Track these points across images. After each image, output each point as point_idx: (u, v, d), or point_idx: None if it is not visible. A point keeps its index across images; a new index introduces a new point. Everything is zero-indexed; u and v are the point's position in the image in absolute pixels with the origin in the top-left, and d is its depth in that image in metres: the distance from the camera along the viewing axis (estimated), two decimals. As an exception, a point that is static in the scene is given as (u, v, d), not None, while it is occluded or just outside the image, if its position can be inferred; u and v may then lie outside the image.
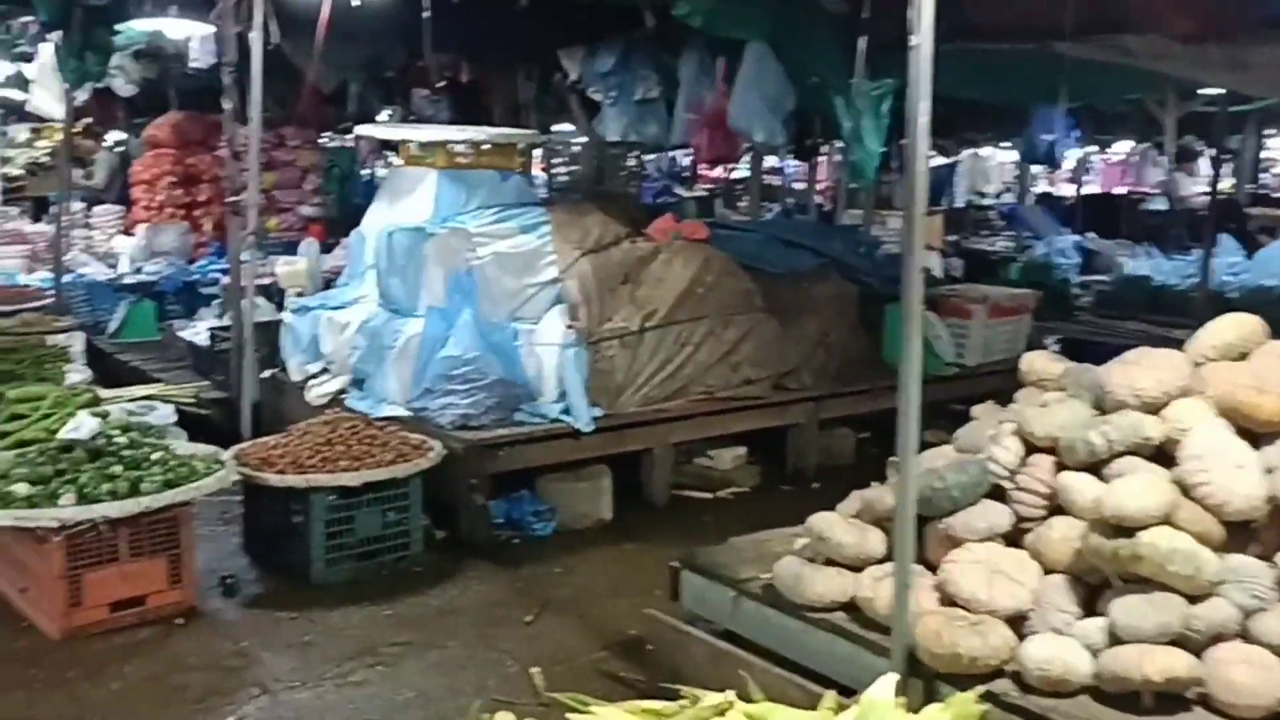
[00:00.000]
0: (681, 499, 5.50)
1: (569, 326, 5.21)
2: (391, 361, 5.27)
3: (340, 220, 10.24)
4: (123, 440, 4.30)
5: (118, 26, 7.99)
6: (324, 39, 6.18)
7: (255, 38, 5.75)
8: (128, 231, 10.57)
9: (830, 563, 3.29)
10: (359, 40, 8.53)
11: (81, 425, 4.26)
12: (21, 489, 3.92)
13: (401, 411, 5.15)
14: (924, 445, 3.15)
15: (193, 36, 7.93)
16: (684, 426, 5.45)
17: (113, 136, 13.93)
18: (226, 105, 6.02)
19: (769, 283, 6.01)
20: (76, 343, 6.98)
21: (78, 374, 6.05)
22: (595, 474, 5.18)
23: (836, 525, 3.28)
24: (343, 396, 5.54)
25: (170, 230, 9.90)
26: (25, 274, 9.35)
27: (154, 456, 4.20)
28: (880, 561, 3.21)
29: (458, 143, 5.75)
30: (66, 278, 8.25)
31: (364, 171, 12.75)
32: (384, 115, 11.94)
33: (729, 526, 5.11)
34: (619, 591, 4.44)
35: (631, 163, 7.06)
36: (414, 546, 4.66)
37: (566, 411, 5.11)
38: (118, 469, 4.07)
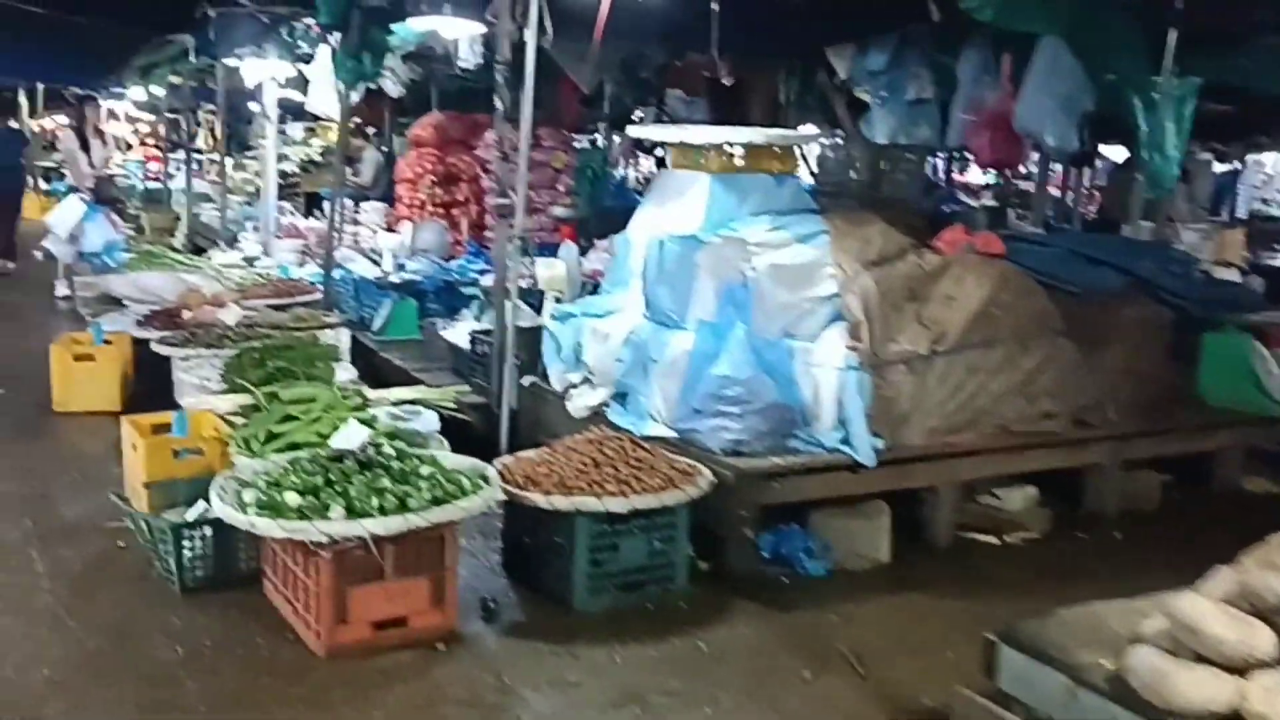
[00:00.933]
0: (965, 542, 4.94)
1: (850, 347, 4.73)
2: (657, 377, 4.94)
3: (593, 221, 10.09)
4: (390, 451, 4.13)
5: (392, 28, 8.06)
6: (599, 38, 5.90)
7: (529, 35, 5.55)
8: (391, 228, 10.78)
9: (1200, 658, 2.69)
10: (620, 40, 8.30)
11: (352, 435, 4.12)
12: (292, 498, 3.79)
13: (667, 432, 4.80)
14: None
15: (461, 37, 7.88)
16: (973, 463, 4.88)
17: (377, 135, 14.43)
18: (498, 105, 5.85)
19: (1069, 304, 5.34)
20: (343, 339, 7.04)
21: (345, 372, 6.03)
22: (873, 511, 4.69)
23: (1211, 616, 2.68)
24: (604, 410, 5.26)
25: (430, 228, 9.99)
26: (297, 268, 9.65)
27: (422, 471, 4.00)
28: (1271, 666, 2.60)
29: (735, 144, 5.35)
30: (335, 274, 8.39)
31: (616, 173, 12.63)
32: (636, 116, 11.77)
33: (1022, 578, 4.57)
34: (907, 649, 3.94)
35: (909, 166, 6.53)
36: (678, 579, 4.31)
37: (845, 441, 4.64)
38: (386, 483, 3.89)
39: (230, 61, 10.62)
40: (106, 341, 6.79)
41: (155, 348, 6.54)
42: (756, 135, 5.51)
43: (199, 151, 17.07)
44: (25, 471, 5.55)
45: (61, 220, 9.91)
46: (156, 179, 17.66)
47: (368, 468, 4.00)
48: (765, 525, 4.58)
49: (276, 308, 7.74)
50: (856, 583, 4.50)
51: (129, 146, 24.04)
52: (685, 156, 5.52)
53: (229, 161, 13.70)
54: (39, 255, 12.15)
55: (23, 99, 22.73)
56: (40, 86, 22.02)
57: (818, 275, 4.96)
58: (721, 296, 4.85)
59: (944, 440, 4.83)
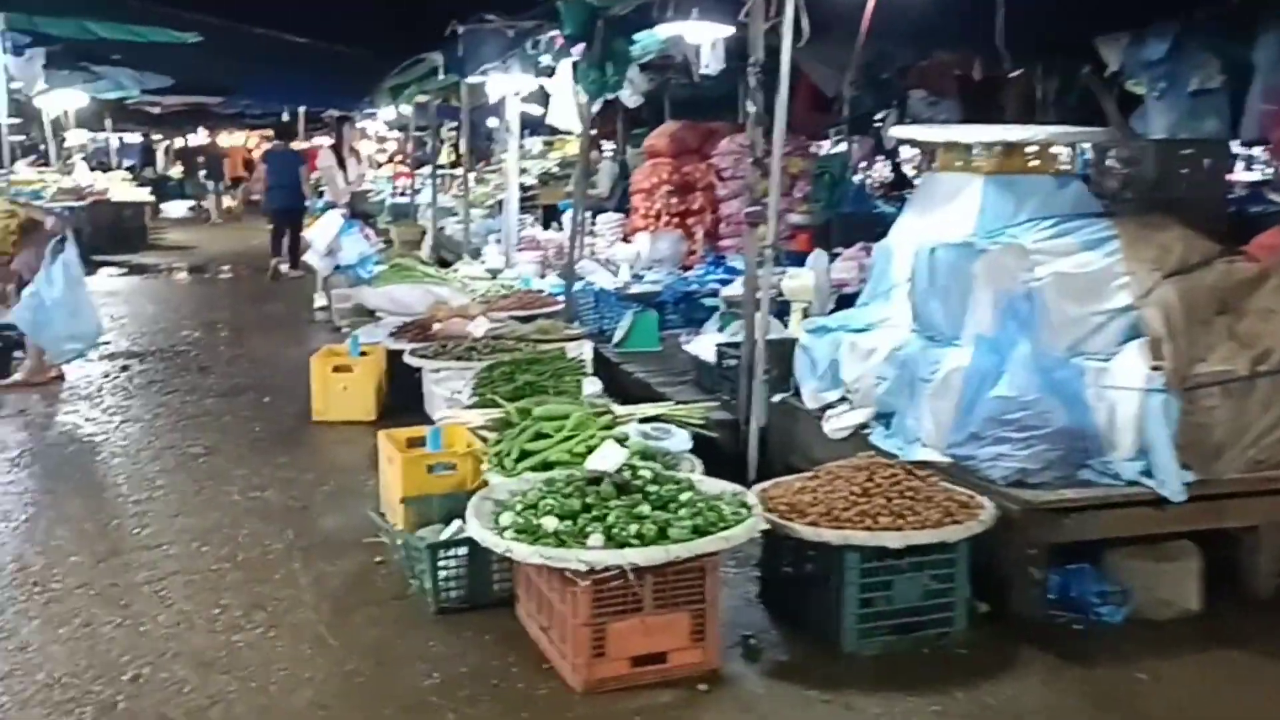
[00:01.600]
0: (1288, 590, 4.27)
1: (1154, 367, 4.16)
2: (927, 397, 4.50)
3: (833, 228, 9.66)
4: (647, 474, 3.89)
5: (635, 37, 7.92)
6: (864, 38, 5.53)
7: (785, 34, 5.22)
8: (627, 239, 10.68)
9: None
10: (866, 39, 7.88)
11: (608, 456, 3.90)
12: (550, 523, 3.59)
13: (939, 457, 4.36)
14: None
15: (705, 43, 7.64)
16: (1302, 501, 4.22)
17: (611, 147, 14.45)
18: (750, 109, 5.54)
19: None
20: (586, 351, 6.92)
21: (591, 386, 5.87)
22: (1180, 552, 4.10)
23: None
24: (865, 432, 4.87)
25: (666, 238, 9.82)
26: (538, 279, 9.67)
27: (682, 497, 3.74)
28: None
29: (1012, 142, 4.86)
30: (576, 285, 8.31)
31: (855, 178, 12.13)
32: (878, 119, 11.25)
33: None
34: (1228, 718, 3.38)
35: (1211, 164, 5.81)
36: (957, 622, 3.87)
37: (1147, 473, 4.08)
38: (645, 509, 3.65)
39: (474, 79, 10.80)
40: (363, 353, 6.90)
41: (408, 360, 6.60)
42: (1037, 132, 5.00)
43: (442, 167, 17.64)
44: (287, 482, 5.65)
45: (321, 234, 10.32)
46: (404, 194, 18.36)
47: (625, 492, 3.77)
48: (1052, 565, 4.07)
49: (520, 319, 7.72)
50: (1161, 635, 3.94)
51: (378, 164, 25.24)
52: (955, 157, 5.07)
53: (470, 176, 14.02)
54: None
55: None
56: (302, 110, 23.44)
57: (1109, 286, 4.41)
58: (1001, 309, 4.37)
59: (1266, 474, 4.19)
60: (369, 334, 7.47)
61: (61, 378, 7.85)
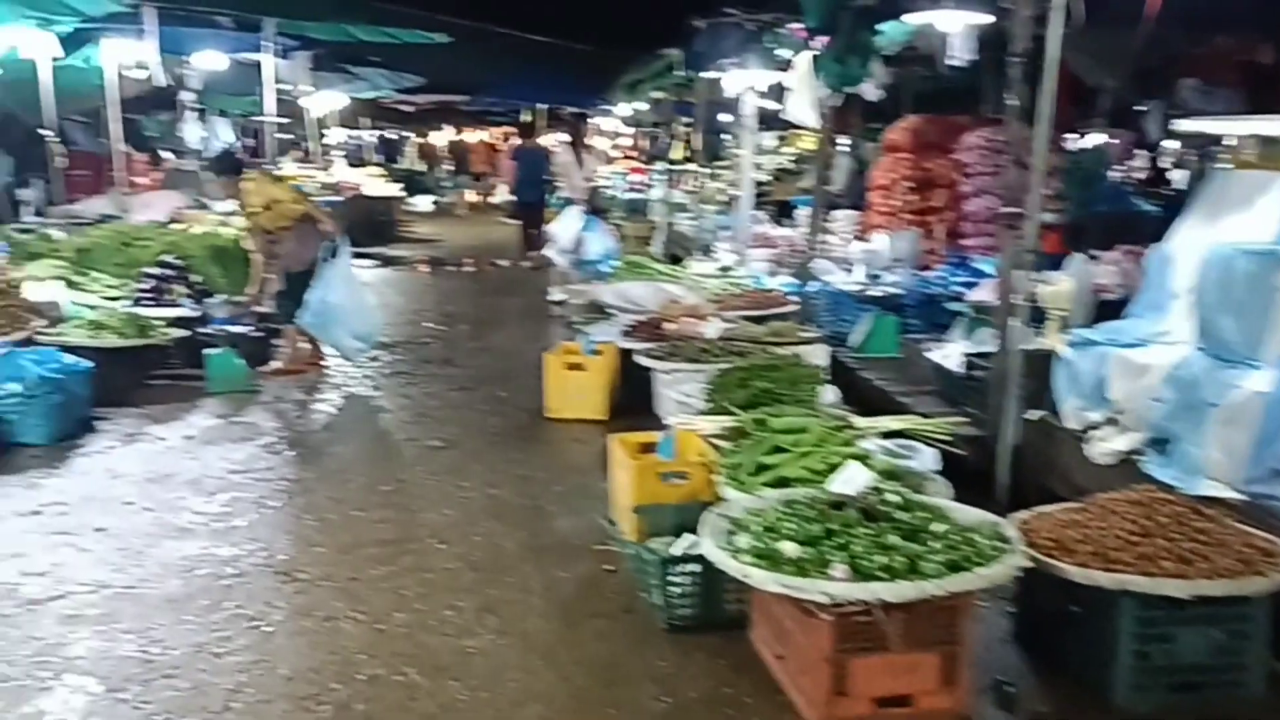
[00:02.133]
0: None
1: None
2: (1216, 424, 3.99)
3: (1085, 228, 8.94)
4: (895, 499, 3.59)
5: (880, 27, 7.54)
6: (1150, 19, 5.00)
7: (1054, 21, 4.77)
8: (861, 237, 10.27)
9: None
10: (1135, 25, 7.20)
11: (853, 478, 3.62)
12: (790, 549, 3.35)
13: (1230, 494, 3.86)
14: None
15: (956, 32, 7.17)
16: None
17: (846, 142, 14.00)
18: (1011, 102, 5.11)
19: None
20: (821, 356, 6.62)
21: (828, 394, 5.58)
22: None
23: None
24: (1136, 459, 4.38)
25: (904, 237, 9.34)
26: (769, 278, 9.41)
27: (934, 528, 3.42)
28: None
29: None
30: (811, 285, 8.00)
31: (1111, 175, 11.25)
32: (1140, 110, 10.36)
33: None
34: None
35: None
36: (1251, 685, 3.40)
37: None
38: (894, 539, 3.35)
39: (710, 74, 10.64)
40: (596, 352, 6.84)
41: (639, 359, 6.49)
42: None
43: (674, 163, 17.61)
44: (521, 480, 5.63)
45: (564, 230, 10.42)
46: (637, 190, 18.45)
47: (871, 518, 3.48)
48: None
49: (753, 319, 7.49)
50: None
51: (610, 160, 25.60)
52: (1257, 153, 4.48)
53: (703, 172, 13.89)
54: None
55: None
56: (540, 107, 24.05)
57: None
58: (1311, 328, 3.82)
59: None
60: (602, 332, 7.41)
61: (320, 363, 8.13)
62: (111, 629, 3.89)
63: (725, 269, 9.83)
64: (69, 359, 6.47)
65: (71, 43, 9.76)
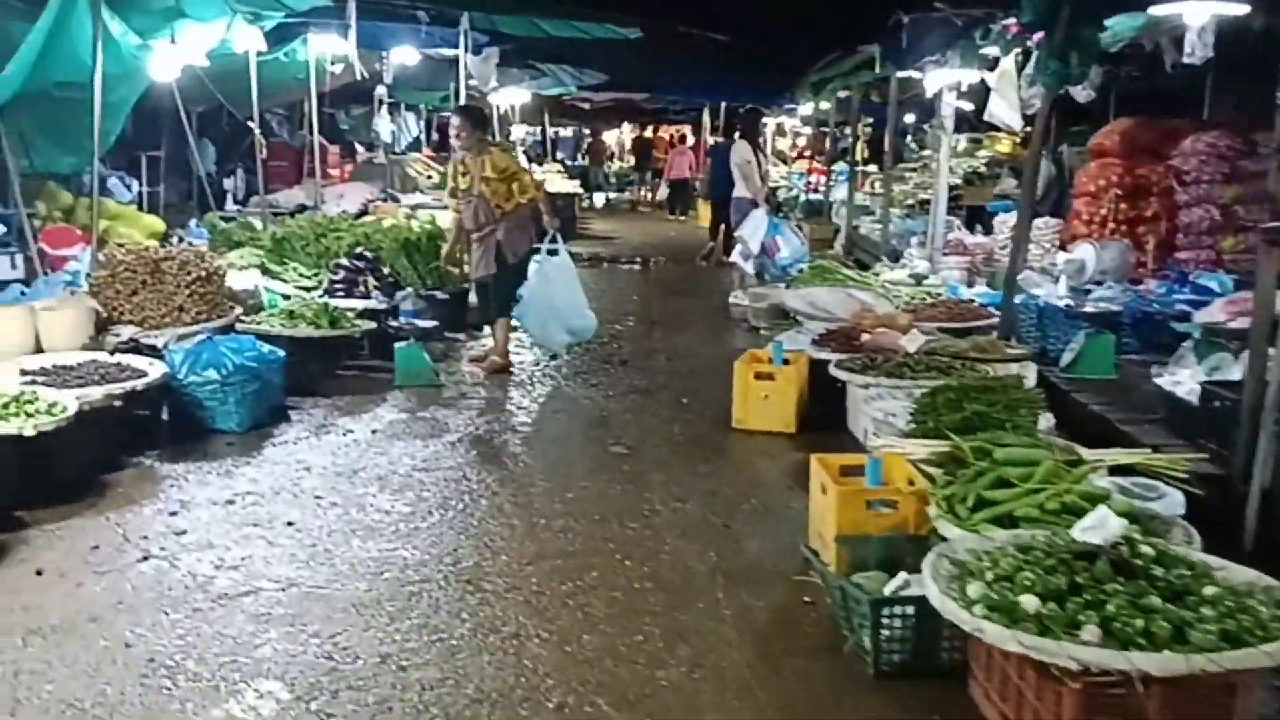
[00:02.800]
0: None
1: None
2: None
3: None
4: (1149, 551, 3.14)
5: (1107, 23, 6.94)
6: None
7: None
8: (1063, 246, 9.60)
9: None
10: None
11: (1103, 524, 3.19)
12: (1030, 603, 2.96)
13: None
14: None
15: (1194, 27, 6.53)
16: None
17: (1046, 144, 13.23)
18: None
19: None
20: (1030, 375, 6.11)
21: (1045, 420, 5.10)
22: None
23: None
24: None
25: (1113, 248, 8.65)
26: (965, 288, 8.88)
27: (1206, 590, 2.96)
28: None
29: None
30: (1017, 298, 7.46)
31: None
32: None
33: None
34: None
35: None
36: None
37: None
38: (1154, 600, 2.92)
39: (908, 72, 10.15)
40: (786, 361, 6.51)
41: (834, 372, 6.13)
42: None
43: (855, 164, 17.08)
44: (708, 494, 5.36)
45: (753, 232, 10.12)
46: (816, 191, 17.99)
47: (1125, 574, 3.05)
48: None
49: (952, 332, 7.02)
50: None
51: (787, 160, 25.12)
52: None
53: (890, 173, 13.36)
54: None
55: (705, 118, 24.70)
56: (716, 106, 23.78)
57: None
58: None
59: None
60: (791, 340, 7.08)
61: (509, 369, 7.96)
62: (299, 631, 3.80)
63: (918, 277, 9.33)
64: (265, 348, 6.54)
65: (274, 37, 9.98)
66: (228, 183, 13.99)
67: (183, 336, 6.57)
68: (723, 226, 13.57)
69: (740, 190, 10.95)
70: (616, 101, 25.93)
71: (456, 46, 10.14)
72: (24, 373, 5.60)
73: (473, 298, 8.62)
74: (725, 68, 21.16)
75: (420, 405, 6.93)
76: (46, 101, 8.78)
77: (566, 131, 30.64)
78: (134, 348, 6.20)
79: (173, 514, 4.90)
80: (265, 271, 8.39)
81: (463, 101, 10.13)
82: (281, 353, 6.62)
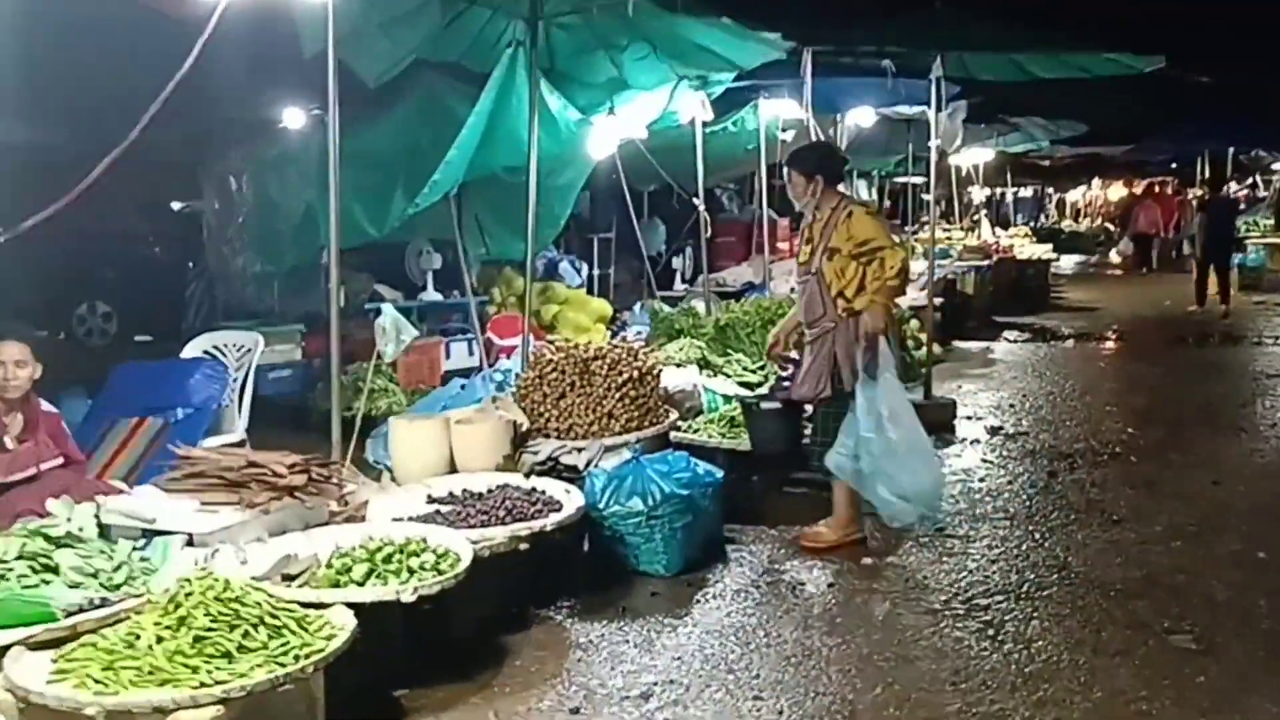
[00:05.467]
0: None
1: None
2: None
3: None
4: None
5: None
6: None
7: None
8: None
9: None
10: None
11: None
12: None
13: None
14: None
15: None
16: None
17: None
18: None
19: None
20: None
21: None
22: None
23: None
24: None
25: None
26: None
27: None
28: None
29: None
30: None
31: None
32: None
33: None
34: None
35: None
36: None
37: None
38: None
39: None
40: None
41: None
42: None
43: None
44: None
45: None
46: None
47: None
48: None
49: None
50: None
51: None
52: None
53: None
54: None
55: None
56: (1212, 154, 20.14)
57: None
58: None
59: None
60: None
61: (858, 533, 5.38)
62: None
63: None
64: (701, 467, 5.26)
65: (722, 105, 9.00)
66: (676, 261, 13.37)
67: (609, 449, 5.50)
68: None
69: None
70: (1082, 157, 22.99)
71: (921, 101, 8.52)
72: (430, 500, 4.72)
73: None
74: (1229, 109, 17.82)
75: (890, 540, 5.32)
76: (498, 186, 8.35)
77: (1026, 192, 27.84)
78: (552, 468, 5.17)
79: (574, 711, 3.66)
80: (705, 365, 7.22)
81: (933, 160, 8.47)
82: (719, 474, 5.31)
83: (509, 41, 6.42)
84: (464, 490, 4.83)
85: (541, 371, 6.04)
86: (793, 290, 11.96)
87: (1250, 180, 25.52)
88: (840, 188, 5.38)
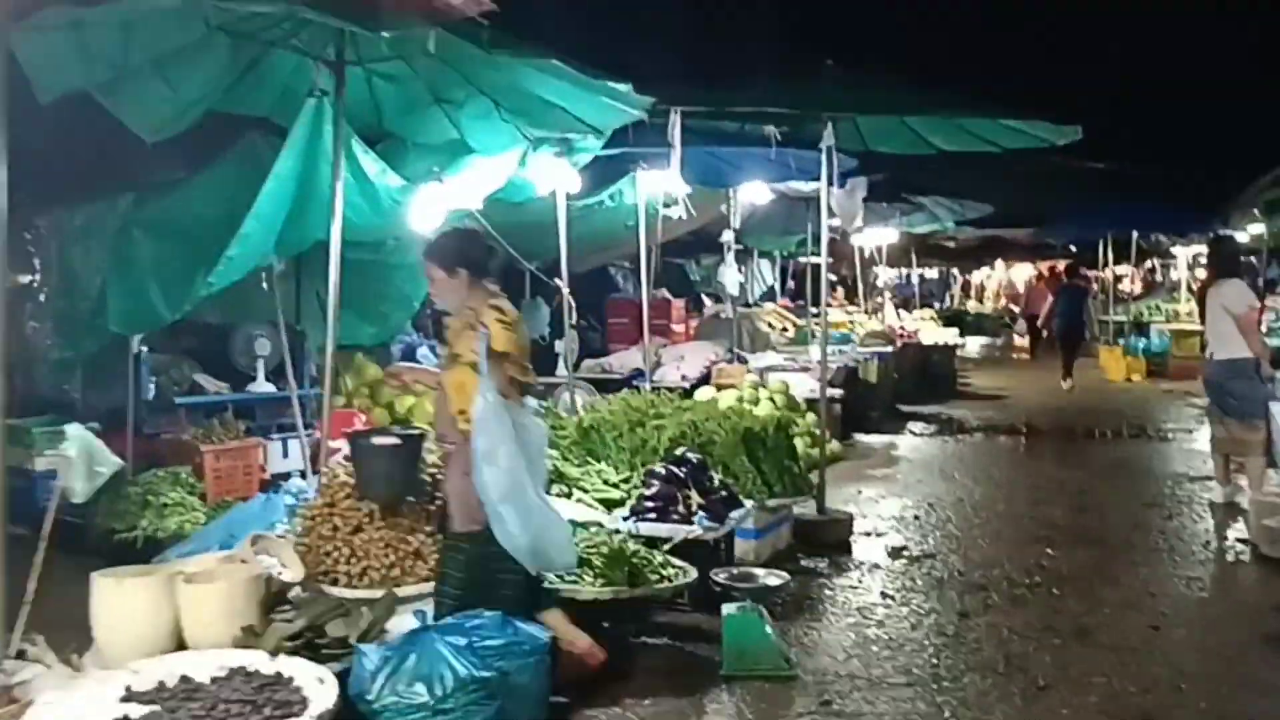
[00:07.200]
0: None
1: None
2: None
3: None
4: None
5: None
6: None
7: None
8: None
9: None
10: None
11: None
12: None
13: None
14: None
15: None
16: None
17: None
18: None
19: None
20: None
21: None
22: None
23: None
24: None
25: None
26: None
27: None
28: None
29: None
30: None
31: None
32: None
33: None
34: None
35: None
36: None
37: None
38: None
39: None
40: None
41: None
42: None
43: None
44: None
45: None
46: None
47: None
48: None
49: None
50: None
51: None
52: None
53: None
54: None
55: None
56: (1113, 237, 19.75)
57: None
58: None
59: None
60: None
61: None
62: None
63: None
64: (521, 630, 3.97)
65: (599, 176, 7.92)
66: (559, 345, 12.15)
67: (403, 600, 4.21)
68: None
69: (1234, 350, 7.36)
70: (984, 239, 22.51)
71: (815, 175, 7.48)
72: (127, 697, 3.35)
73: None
74: (1129, 192, 17.43)
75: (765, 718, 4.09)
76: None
77: (932, 273, 27.37)
78: (308, 642, 3.81)
79: None
80: (561, 478, 5.97)
81: (824, 242, 7.41)
82: (545, 638, 4.03)
83: (311, 90, 5.21)
84: (180, 680, 3.47)
85: (334, 496, 4.74)
86: (684, 377, 10.93)
87: (1149, 264, 25.37)
88: (487, 283, 4.28)
